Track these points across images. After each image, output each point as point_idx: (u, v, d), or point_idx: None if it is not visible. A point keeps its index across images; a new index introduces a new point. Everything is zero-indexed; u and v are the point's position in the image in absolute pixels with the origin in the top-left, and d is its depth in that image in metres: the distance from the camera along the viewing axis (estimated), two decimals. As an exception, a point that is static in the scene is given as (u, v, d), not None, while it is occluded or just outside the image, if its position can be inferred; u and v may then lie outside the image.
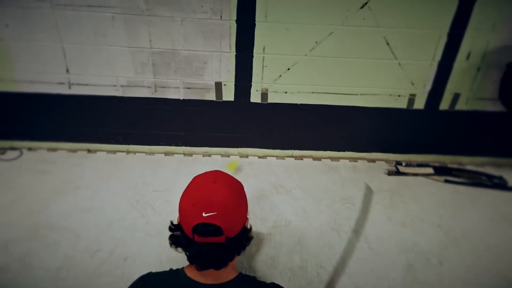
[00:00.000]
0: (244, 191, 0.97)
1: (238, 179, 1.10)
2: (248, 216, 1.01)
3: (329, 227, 2.20)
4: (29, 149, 2.68)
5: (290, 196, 2.42)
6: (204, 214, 0.83)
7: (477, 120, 2.67)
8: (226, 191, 0.88)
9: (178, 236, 0.87)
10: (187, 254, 0.87)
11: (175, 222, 0.92)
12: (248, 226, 0.96)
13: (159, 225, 2.10)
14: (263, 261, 1.97)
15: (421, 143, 2.82)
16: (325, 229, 2.18)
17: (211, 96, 2.51)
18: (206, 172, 0.95)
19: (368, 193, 1.57)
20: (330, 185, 2.53)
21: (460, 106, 2.59)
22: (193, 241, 0.84)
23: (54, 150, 2.68)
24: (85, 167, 2.56)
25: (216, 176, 0.93)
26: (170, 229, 0.89)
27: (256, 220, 2.21)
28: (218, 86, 2.48)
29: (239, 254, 0.92)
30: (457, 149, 2.84)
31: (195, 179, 0.93)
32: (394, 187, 2.55)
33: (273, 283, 0.96)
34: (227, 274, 0.90)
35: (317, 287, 1.85)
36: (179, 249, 0.91)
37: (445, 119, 2.67)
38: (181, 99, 2.52)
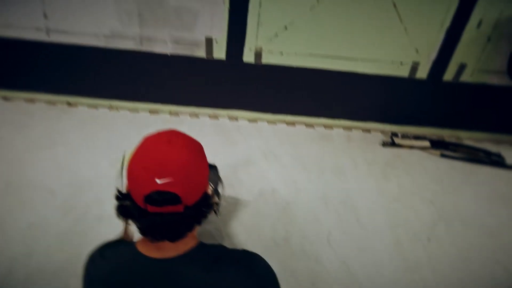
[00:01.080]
0: (204, 152, 0.84)
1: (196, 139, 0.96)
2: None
3: (318, 197, 2.11)
4: (5, 98, 2.51)
5: (279, 163, 2.31)
6: (157, 181, 0.71)
7: (481, 94, 2.53)
8: (183, 153, 0.74)
9: (127, 206, 0.74)
10: (139, 226, 0.75)
11: (124, 190, 0.79)
12: (210, 192, 0.83)
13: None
14: (245, 230, 1.89)
15: (420, 115, 2.69)
16: (312, 200, 2.09)
17: (201, 52, 2.33)
18: (158, 132, 0.81)
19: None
20: (321, 155, 2.42)
21: (465, 77, 2.44)
22: (146, 211, 0.72)
23: (32, 101, 2.52)
24: (64, 122, 2.42)
25: (171, 136, 0.79)
26: (118, 198, 0.76)
27: (241, 187, 2.12)
28: (209, 42, 2.29)
29: (199, 223, 0.80)
30: (456, 123, 2.72)
31: (146, 139, 0.78)
32: (388, 159, 2.44)
33: (244, 250, 0.86)
34: (185, 244, 0.79)
35: (300, 259, 1.78)
36: (130, 221, 0.78)
37: (447, 90, 2.52)
38: (169, 54, 2.34)
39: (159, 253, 0.77)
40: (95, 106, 2.56)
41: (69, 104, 2.55)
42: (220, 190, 1.83)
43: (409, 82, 2.47)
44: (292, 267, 1.74)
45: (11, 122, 2.35)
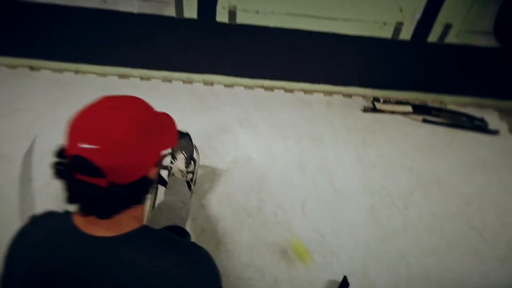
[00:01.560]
0: (161, 131, 0.73)
1: (167, 113, 0.85)
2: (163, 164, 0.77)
3: (294, 166, 2.04)
4: (-39, 63, 2.34)
5: (255, 131, 2.21)
6: (81, 145, 0.61)
7: (466, 56, 2.43)
8: (125, 125, 0.64)
9: (64, 164, 0.64)
10: (64, 191, 0.66)
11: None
12: (154, 177, 0.73)
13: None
14: (217, 199, 1.82)
15: (403, 78, 2.59)
16: (289, 168, 2.02)
17: (171, 11, 2.16)
18: (114, 95, 0.70)
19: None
20: (300, 121, 2.32)
21: (450, 39, 2.32)
22: (72, 176, 0.62)
23: (-10, 65, 2.35)
24: (26, 87, 2.26)
25: (121, 102, 0.69)
26: (57, 154, 0.66)
27: (214, 156, 2.03)
28: (179, -1, 2.12)
29: (128, 206, 0.70)
30: (440, 87, 2.63)
31: (97, 99, 0.68)
32: (369, 125, 2.36)
33: (193, 244, 0.78)
34: (122, 225, 0.70)
35: (272, 228, 1.73)
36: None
37: (432, 53, 2.41)
38: (135, 12, 2.16)
39: (94, 229, 0.69)
40: (60, 70, 2.40)
41: (31, 68, 2.38)
42: (196, 158, 1.74)
43: (392, 44, 2.35)
44: (264, 237, 1.69)
45: (-32, 87, 2.19)
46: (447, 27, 2.27)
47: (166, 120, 0.82)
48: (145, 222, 0.95)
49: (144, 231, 0.73)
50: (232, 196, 1.84)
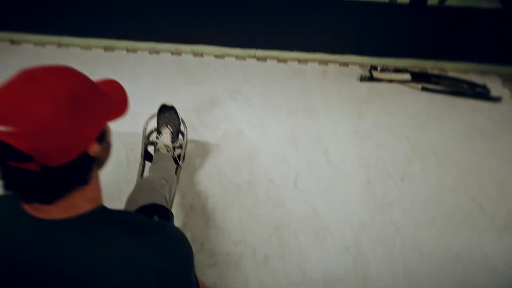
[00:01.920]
0: (99, 103, 0.64)
1: (113, 80, 0.75)
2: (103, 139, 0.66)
3: (286, 138, 1.97)
4: None
5: (247, 104, 2.13)
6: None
7: (468, 19, 2.30)
8: (47, 100, 0.55)
9: None
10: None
11: None
12: (96, 153, 0.64)
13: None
14: (207, 175, 1.76)
15: (402, 45, 2.47)
16: (281, 141, 1.95)
17: (155, -24, 2.04)
18: (35, 67, 0.60)
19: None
20: (293, 93, 2.23)
21: (452, 1, 2.19)
22: (4, 163, 0.55)
23: (-31, 40, 2.25)
24: (7, 62, 2.17)
25: (41, 74, 0.58)
26: None
27: (204, 129, 1.96)
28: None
29: (73, 188, 0.62)
30: (440, 53, 2.51)
31: (13, 75, 0.58)
32: (365, 95, 2.27)
33: (159, 221, 0.71)
34: (74, 207, 0.63)
35: (264, 204, 1.68)
36: None
37: (432, 16, 2.28)
38: (117, -20, 2.04)
39: (41, 212, 0.62)
40: (42, 44, 2.30)
41: (12, 42, 2.28)
42: (183, 131, 1.67)
43: (391, 8, 2.22)
44: (255, 212, 1.65)
45: None
46: (449, -12, 2.13)
47: (108, 89, 0.70)
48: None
49: (99, 212, 0.66)
50: (223, 171, 1.78)
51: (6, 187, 0.58)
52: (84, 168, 0.64)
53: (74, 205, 0.64)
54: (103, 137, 0.67)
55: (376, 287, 1.47)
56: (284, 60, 2.46)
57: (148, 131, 1.64)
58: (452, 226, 1.69)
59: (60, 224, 0.62)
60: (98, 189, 0.70)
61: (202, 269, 1.48)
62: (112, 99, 0.69)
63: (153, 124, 1.65)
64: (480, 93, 2.39)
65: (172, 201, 1.41)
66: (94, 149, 0.63)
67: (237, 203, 1.67)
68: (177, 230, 0.73)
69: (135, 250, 0.63)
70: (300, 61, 2.47)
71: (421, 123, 2.12)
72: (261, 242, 1.56)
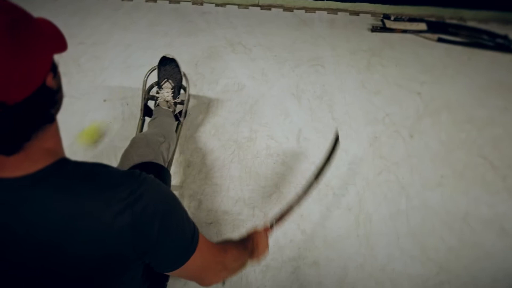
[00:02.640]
0: (35, 27, 0.54)
1: (19, 6, 0.63)
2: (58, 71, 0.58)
3: (290, 93, 1.86)
4: None
5: (249, 55, 2.01)
6: None
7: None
8: None
9: None
10: None
11: None
12: (54, 85, 0.56)
13: (84, 85, 1.75)
14: (205, 131, 1.69)
15: (418, -9, 2.28)
16: (284, 95, 1.85)
17: None
18: None
19: (335, 142, 1.20)
20: (299, 43, 2.10)
21: None
22: None
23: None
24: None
25: None
26: None
27: (203, 83, 1.86)
28: None
29: (37, 128, 0.55)
30: (460, 0, 2.31)
31: None
32: (376, 47, 2.12)
33: (130, 172, 0.64)
34: (33, 161, 0.56)
35: (264, 161, 1.61)
36: None
37: (453, -42, 2.08)
38: None
39: None
40: (32, -8, 2.17)
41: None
42: (185, 85, 1.58)
43: None
44: (255, 170, 1.59)
45: None
46: None
47: (40, 19, 0.59)
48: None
49: (61, 166, 0.59)
50: (222, 127, 1.71)
51: None
52: (48, 102, 0.56)
53: (33, 158, 0.56)
54: (55, 68, 0.58)
55: (379, 245, 1.43)
56: (290, 9, 2.30)
57: (148, 85, 1.55)
58: (461, 186, 1.61)
59: (20, 181, 0.55)
60: (58, 138, 0.63)
61: (200, 227, 1.45)
62: (50, 32, 0.59)
63: (153, 77, 1.55)
64: (501, 44, 2.22)
65: (171, 159, 1.35)
66: (52, 81, 0.56)
67: (236, 160, 1.61)
68: (152, 179, 0.66)
69: (102, 204, 0.57)
70: (307, 9, 2.31)
71: (435, 77, 1.99)
72: (260, 200, 1.51)
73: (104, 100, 1.72)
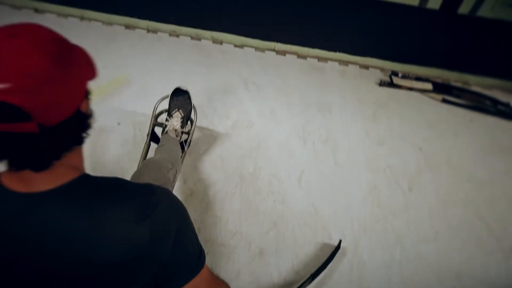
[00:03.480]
0: (75, 55, 0.61)
1: (61, 35, 0.71)
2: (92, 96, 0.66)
3: (296, 134, 1.93)
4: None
5: (261, 94, 2.10)
6: None
7: (499, 32, 2.21)
8: (34, 52, 0.53)
9: None
10: None
11: None
12: (87, 110, 0.63)
13: (101, 107, 1.82)
14: (211, 162, 1.74)
15: (426, 53, 2.40)
16: (290, 136, 1.92)
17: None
18: (8, 24, 0.57)
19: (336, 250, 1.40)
20: (309, 88, 2.19)
21: (484, 11, 2.10)
22: None
23: (-6, 5, 2.27)
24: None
25: (19, 29, 0.56)
26: None
27: (214, 116, 1.93)
28: None
29: (68, 149, 0.60)
30: (466, 65, 2.43)
31: None
32: (382, 100, 2.21)
33: (148, 185, 0.69)
34: (58, 175, 0.61)
35: (265, 198, 1.65)
36: None
37: (461, 26, 2.20)
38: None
39: (24, 186, 0.59)
40: (65, 15, 2.31)
41: (36, 10, 2.29)
42: (193, 118, 1.65)
43: (419, 13, 2.15)
44: (255, 205, 1.62)
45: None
46: (482, -2, 2.05)
47: (78, 48, 0.67)
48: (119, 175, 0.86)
49: (83, 180, 0.64)
50: (228, 160, 1.76)
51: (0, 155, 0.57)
52: (81, 125, 0.63)
53: (58, 174, 0.62)
54: (88, 94, 0.65)
55: (370, 294, 1.43)
56: (303, 56, 2.42)
57: (158, 111, 1.62)
58: (456, 243, 1.63)
59: (43, 196, 0.60)
60: (82, 156, 0.69)
61: (195, 255, 1.46)
62: (84, 59, 0.66)
63: (164, 105, 1.63)
64: (503, 111, 2.31)
65: (174, 186, 1.39)
66: (85, 106, 0.62)
67: (238, 194, 1.65)
68: (167, 191, 0.71)
69: (123, 214, 0.62)
70: (320, 59, 2.43)
71: (438, 133, 2.06)
72: (258, 236, 1.53)
73: (119, 123, 1.80)
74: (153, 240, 0.63)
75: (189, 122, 1.66)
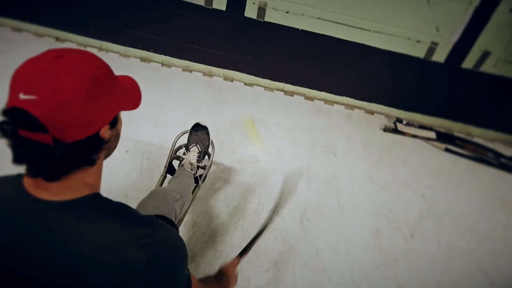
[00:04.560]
0: (117, 90, 0.67)
1: (131, 77, 0.78)
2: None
3: (301, 174, 1.95)
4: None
5: (268, 132, 2.14)
6: (21, 96, 0.55)
7: (501, 88, 2.29)
8: (70, 75, 0.58)
9: (5, 122, 0.59)
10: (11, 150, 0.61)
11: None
12: (107, 137, 0.66)
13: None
14: (215, 196, 1.75)
15: (430, 102, 2.47)
16: (295, 176, 1.94)
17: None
18: (61, 48, 0.64)
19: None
20: (315, 129, 2.24)
21: (486, 67, 2.19)
22: (17, 134, 0.57)
23: (19, 30, 2.37)
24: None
25: (66, 53, 0.61)
26: (2, 112, 0.60)
27: (221, 150, 1.97)
28: (210, -11, 2.09)
29: (80, 167, 0.63)
30: (469, 117, 2.49)
31: (45, 51, 0.62)
32: (386, 145, 2.25)
33: (151, 217, 0.71)
34: (72, 190, 0.64)
35: (266, 235, 1.64)
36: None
37: (465, 80, 2.28)
38: (164, -3, 2.14)
39: (40, 192, 0.63)
40: (84, 45, 2.40)
41: (57, 39, 2.39)
42: (211, 153, 1.67)
43: (424, 64, 2.24)
44: (256, 243, 1.61)
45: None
46: (485, 55, 2.14)
47: (126, 80, 0.75)
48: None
49: (94, 198, 0.67)
50: (232, 195, 1.77)
51: (16, 159, 0.60)
52: (94, 148, 0.66)
53: (73, 187, 0.65)
54: (115, 123, 0.69)
55: None
56: (311, 98, 2.49)
57: (177, 145, 1.65)
58: (457, 295, 1.61)
59: (56, 206, 0.63)
60: (98, 176, 0.72)
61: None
62: (128, 90, 0.72)
63: (183, 139, 1.66)
64: (505, 164, 2.34)
65: (182, 218, 1.40)
66: (106, 132, 0.66)
67: (240, 229, 1.65)
68: (168, 227, 0.73)
69: (124, 238, 0.64)
70: (326, 101, 2.49)
71: (441, 182, 2.07)
72: (257, 274, 1.52)
73: (127, 151, 1.83)
74: (148, 269, 0.64)
75: (206, 157, 1.68)
